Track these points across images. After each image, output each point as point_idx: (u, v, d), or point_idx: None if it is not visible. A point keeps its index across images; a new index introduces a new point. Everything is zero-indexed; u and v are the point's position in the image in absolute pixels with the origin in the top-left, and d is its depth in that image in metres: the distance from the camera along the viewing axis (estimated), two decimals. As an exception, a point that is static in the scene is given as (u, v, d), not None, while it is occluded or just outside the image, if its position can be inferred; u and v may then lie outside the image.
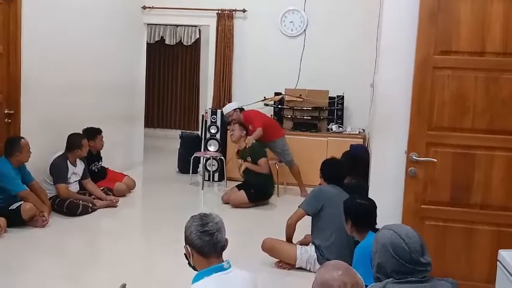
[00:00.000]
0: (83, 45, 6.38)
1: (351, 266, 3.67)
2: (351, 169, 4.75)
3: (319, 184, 4.40)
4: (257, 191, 6.16)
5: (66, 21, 6.00)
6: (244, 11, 7.96)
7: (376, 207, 3.17)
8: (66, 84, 6.02)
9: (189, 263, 2.44)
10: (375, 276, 2.32)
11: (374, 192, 3.50)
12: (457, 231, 3.46)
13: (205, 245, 2.34)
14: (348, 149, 6.14)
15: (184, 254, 2.44)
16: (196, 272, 2.37)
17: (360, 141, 7.06)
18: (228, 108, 6.89)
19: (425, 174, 3.47)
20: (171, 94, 11.83)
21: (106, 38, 6.95)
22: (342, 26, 7.65)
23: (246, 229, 5.29)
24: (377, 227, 3.21)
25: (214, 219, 2.41)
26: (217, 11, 7.98)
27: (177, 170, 8.08)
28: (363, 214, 3.14)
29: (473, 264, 3.45)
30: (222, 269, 2.32)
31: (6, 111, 5.27)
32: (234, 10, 7.95)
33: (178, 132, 11.35)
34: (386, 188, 3.56)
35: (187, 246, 2.39)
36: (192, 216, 2.45)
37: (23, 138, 5.08)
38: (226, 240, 2.42)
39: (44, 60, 5.63)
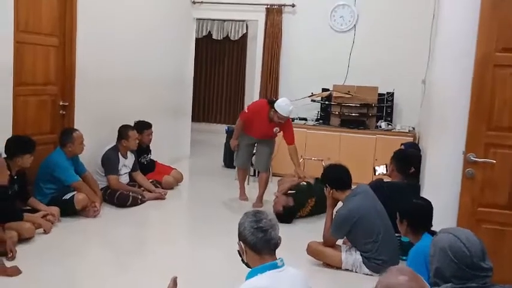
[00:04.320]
0: (135, 40, 6.48)
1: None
2: (403, 169, 4.65)
3: (330, 192, 4.18)
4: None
5: (119, 16, 6.10)
6: (293, 5, 7.90)
7: (432, 208, 3.08)
8: (118, 78, 6.12)
9: (242, 260, 2.44)
10: (432, 281, 2.25)
11: (429, 193, 3.41)
12: (515, 236, 3.34)
13: (259, 242, 2.33)
14: (399, 147, 5.99)
15: (238, 250, 2.44)
16: (249, 269, 2.36)
17: (410, 139, 6.90)
18: (288, 112, 5.50)
19: (483, 175, 3.36)
20: (217, 89, 11.90)
21: (157, 33, 7.04)
22: (393, 21, 7.48)
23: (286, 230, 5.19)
24: (432, 229, 3.12)
25: (268, 216, 2.41)
26: (266, 6, 7.96)
27: (223, 164, 8.12)
28: (420, 215, 3.06)
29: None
30: (275, 266, 2.31)
31: (61, 103, 5.40)
32: (283, 5, 7.91)
33: (224, 126, 11.43)
34: (442, 189, 3.47)
35: (240, 242, 2.39)
36: (245, 213, 2.46)
37: (77, 130, 5.20)
38: (280, 238, 2.41)
39: (98, 54, 5.73)
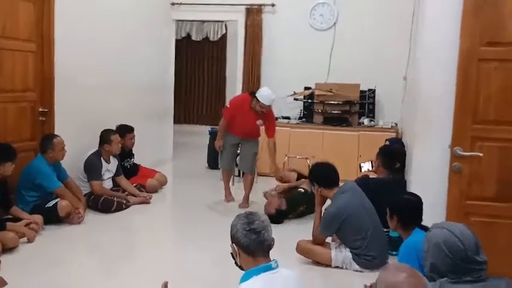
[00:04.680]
0: (115, 43, 6.40)
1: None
2: (388, 164, 4.66)
3: (318, 190, 4.19)
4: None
5: (97, 20, 6.01)
6: (273, 5, 7.90)
7: (422, 203, 3.09)
8: (97, 82, 6.03)
9: (235, 263, 2.40)
10: (428, 275, 2.25)
11: (416, 189, 3.42)
12: (504, 228, 3.36)
13: (252, 244, 2.30)
14: (384, 143, 6.02)
15: (231, 253, 2.41)
16: (242, 272, 2.33)
17: (393, 134, 6.94)
18: (270, 101, 5.51)
19: (470, 169, 3.38)
20: (198, 90, 11.85)
21: (137, 36, 6.96)
22: (373, 19, 7.54)
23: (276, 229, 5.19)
24: (422, 224, 3.13)
25: (260, 218, 2.38)
26: (246, 6, 7.93)
27: (207, 165, 8.07)
28: (410, 211, 3.07)
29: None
30: (270, 268, 2.28)
31: (40, 110, 5.30)
32: (262, 5, 7.89)
33: (205, 127, 11.40)
34: (429, 184, 3.48)
35: (233, 245, 2.36)
36: (237, 215, 2.43)
37: (57, 136, 5.10)
38: (273, 240, 2.38)
39: (77, 59, 5.63)
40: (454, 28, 3.32)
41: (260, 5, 7.89)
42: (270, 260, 2.33)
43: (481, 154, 3.33)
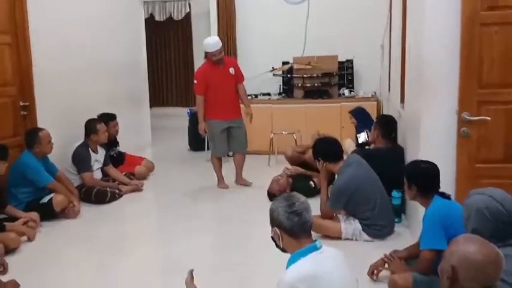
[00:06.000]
0: (86, 28, 6.17)
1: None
2: (388, 134, 4.71)
3: (323, 165, 4.19)
4: None
5: (69, 7, 5.79)
6: (244, -21, 7.77)
7: (439, 170, 3.13)
8: (75, 71, 5.85)
9: (277, 245, 2.38)
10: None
11: (426, 156, 3.44)
12: (512, 188, 3.45)
13: (295, 226, 2.28)
14: (348, 113, 6.28)
15: (271, 236, 2.38)
16: (289, 255, 2.31)
17: (374, 104, 7.02)
18: (217, 43, 5.56)
19: (478, 133, 3.46)
20: (166, 72, 11.62)
21: (107, 20, 6.74)
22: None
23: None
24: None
25: (300, 199, 2.35)
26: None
27: (188, 148, 7.98)
28: (428, 179, 3.09)
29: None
30: (315, 248, 2.27)
31: (21, 104, 5.09)
32: (233, -20, 7.75)
33: (178, 109, 11.25)
34: (438, 150, 3.52)
35: (275, 228, 2.33)
36: (276, 198, 2.40)
37: (43, 129, 4.92)
38: (312, 220, 2.37)
39: (52, 49, 5.43)
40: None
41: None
42: (313, 241, 2.32)
43: (488, 118, 3.40)
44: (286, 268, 2.27)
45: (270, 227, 2.35)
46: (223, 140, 5.73)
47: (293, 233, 2.29)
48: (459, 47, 3.40)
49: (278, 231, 2.32)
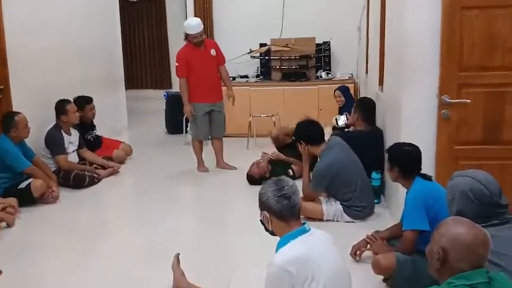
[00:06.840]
0: (58, 8, 6.02)
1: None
2: (368, 116, 4.76)
3: (305, 148, 4.22)
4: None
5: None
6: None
7: (421, 152, 3.18)
8: (50, 53, 5.74)
9: (266, 229, 2.40)
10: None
11: (407, 137, 3.50)
12: (492, 168, 3.50)
13: (284, 209, 2.30)
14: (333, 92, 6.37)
15: (260, 220, 2.40)
16: (278, 238, 2.33)
17: (351, 85, 7.06)
18: (199, 25, 5.53)
19: (458, 115, 3.52)
20: (140, 53, 11.47)
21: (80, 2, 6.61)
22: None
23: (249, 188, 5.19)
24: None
25: (289, 183, 2.37)
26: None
27: (166, 131, 7.92)
28: (411, 161, 3.14)
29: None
30: (305, 231, 2.30)
31: (-5, 87, 4.97)
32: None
33: (152, 92, 11.14)
34: (419, 132, 3.58)
35: (264, 212, 2.35)
36: (265, 182, 2.42)
37: (19, 113, 4.82)
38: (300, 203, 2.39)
39: (26, 31, 5.28)
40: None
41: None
42: (302, 224, 2.35)
43: (468, 101, 3.47)
44: (276, 251, 2.30)
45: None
46: (205, 123, 5.69)
47: (282, 216, 2.31)
48: (440, 30, 3.44)
49: (267, 214, 2.35)
